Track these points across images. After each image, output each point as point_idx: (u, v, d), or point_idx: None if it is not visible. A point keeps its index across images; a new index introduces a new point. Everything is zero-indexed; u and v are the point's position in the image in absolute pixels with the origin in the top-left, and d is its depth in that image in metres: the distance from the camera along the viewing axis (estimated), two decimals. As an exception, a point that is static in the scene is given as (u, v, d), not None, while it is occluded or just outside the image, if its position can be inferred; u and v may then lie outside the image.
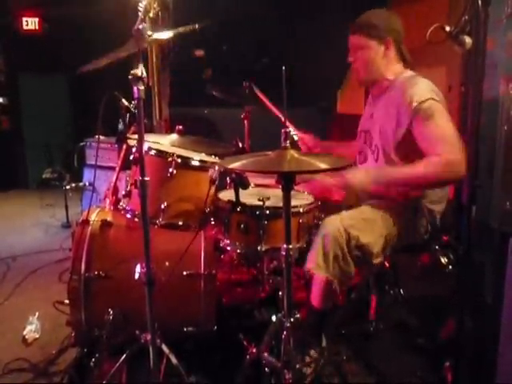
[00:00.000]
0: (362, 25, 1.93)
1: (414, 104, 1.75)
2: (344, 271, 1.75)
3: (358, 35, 1.93)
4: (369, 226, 1.80)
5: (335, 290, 1.75)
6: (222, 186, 1.98)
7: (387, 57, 1.93)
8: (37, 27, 5.71)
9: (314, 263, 1.74)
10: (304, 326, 1.75)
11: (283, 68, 1.44)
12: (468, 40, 1.32)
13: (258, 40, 4.53)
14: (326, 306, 1.83)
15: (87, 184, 4.10)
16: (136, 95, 1.39)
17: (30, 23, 5.70)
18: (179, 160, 1.80)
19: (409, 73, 1.94)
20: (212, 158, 2.01)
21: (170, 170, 1.78)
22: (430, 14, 3.08)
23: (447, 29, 1.33)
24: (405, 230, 1.89)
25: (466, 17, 1.29)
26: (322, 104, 4.64)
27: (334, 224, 1.76)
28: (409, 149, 1.81)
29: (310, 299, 1.86)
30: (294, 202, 1.64)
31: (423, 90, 1.79)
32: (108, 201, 2.15)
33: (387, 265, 2.08)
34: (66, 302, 1.92)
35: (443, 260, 2.12)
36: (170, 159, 1.79)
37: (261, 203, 1.74)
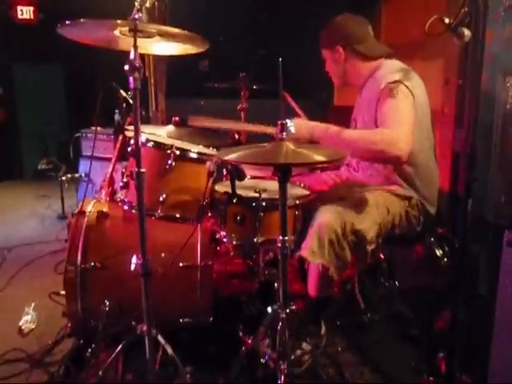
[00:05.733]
0: (320, 37, 2.04)
1: (383, 85, 1.81)
2: (340, 257, 1.75)
3: (321, 47, 2.06)
4: (363, 213, 1.81)
5: (331, 276, 1.75)
6: (218, 178, 1.98)
7: (348, 61, 1.99)
8: (32, 16, 5.64)
9: (309, 250, 1.73)
10: (300, 316, 1.76)
11: (279, 60, 1.43)
12: (467, 32, 1.31)
13: (255, 31, 4.51)
14: (321, 293, 1.84)
15: (83, 175, 4.08)
16: (132, 85, 1.38)
17: (25, 12, 5.62)
18: (178, 152, 1.80)
19: (388, 62, 1.97)
20: (210, 150, 2.00)
21: (169, 161, 1.78)
22: (427, 6, 3.06)
23: (446, 21, 1.32)
24: (398, 220, 1.90)
25: (466, 9, 1.28)
26: (322, 96, 4.61)
27: (328, 211, 1.77)
28: None
29: (306, 289, 1.87)
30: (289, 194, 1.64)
31: (390, 71, 1.85)
32: (104, 192, 2.15)
33: (382, 257, 2.09)
34: (62, 292, 1.92)
35: (438, 252, 2.13)
36: (168, 151, 1.79)
37: (257, 195, 1.74)
